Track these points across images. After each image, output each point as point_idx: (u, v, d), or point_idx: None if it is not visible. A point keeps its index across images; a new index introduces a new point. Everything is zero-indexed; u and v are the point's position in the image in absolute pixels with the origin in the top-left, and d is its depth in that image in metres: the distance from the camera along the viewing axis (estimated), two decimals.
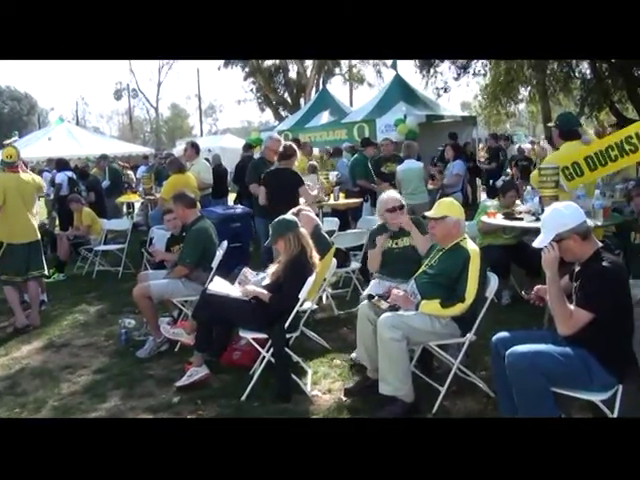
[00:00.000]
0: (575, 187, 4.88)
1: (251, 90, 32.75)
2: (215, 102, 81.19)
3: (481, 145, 16.39)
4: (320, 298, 6.10)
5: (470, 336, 3.71)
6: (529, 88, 17.61)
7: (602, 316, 2.89)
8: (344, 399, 4.00)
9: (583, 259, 3.07)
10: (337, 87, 65.35)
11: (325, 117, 15.13)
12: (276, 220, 4.36)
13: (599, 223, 4.52)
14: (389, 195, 4.68)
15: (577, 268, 3.14)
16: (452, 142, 9.90)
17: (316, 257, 4.34)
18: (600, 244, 3.10)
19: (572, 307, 2.98)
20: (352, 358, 4.45)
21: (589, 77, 15.47)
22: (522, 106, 22.99)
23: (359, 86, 34.47)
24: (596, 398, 3.00)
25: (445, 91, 17.86)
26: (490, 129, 22.34)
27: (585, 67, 15.63)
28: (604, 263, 2.94)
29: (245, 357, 4.58)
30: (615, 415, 3.01)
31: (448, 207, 3.90)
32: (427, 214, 4.02)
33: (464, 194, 9.56)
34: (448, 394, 3.80)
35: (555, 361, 2.93)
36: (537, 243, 3.12)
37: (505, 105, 18.36)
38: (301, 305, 4.21)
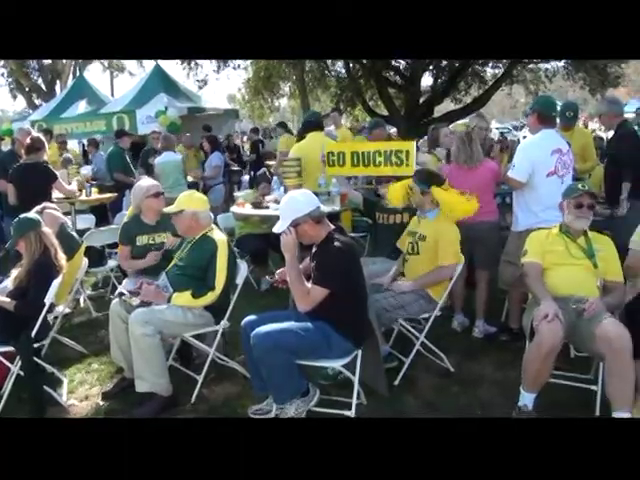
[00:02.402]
0: (333, 174, 5.18)
1: (2, 74, 29.41)
2: None
3: (245, 138, 16.77)
4: (77, 301, 5.77)
5: (224, 323, 3.80)
6: (289, 84, 18.38)
7: (336, 290, 3.16)
8: (102, 403, 3.84)
9: (318, 241, 3.33)
10: (96, 75, 61.30)
11: (82, 106, 14.16)
12: (16, 220, 4.01)
13: (337, 208, 4.88)
14: (148, 182, 4.58)
15: (314, 250, 3.39)
16: (208, 135, 9.91)
17: (62, 257, 4.06)
18: (332, 227, 3.37)
19: (309, 285, 3.21)
20: None
21: (343, 76, 16.61)
22: (284, 101, 23.96)
23: (119, 75, 32.96)
24: (336, 364, 3.29)
25: (205, 84, 17.83)
26: (255, 122, 22.95)
27: (340, 66, 16.73)
28: (336, 243, 3.23)
29: None
30: (356, 377, 3.31)
31: (186, 200, 3.91)
32: (166, 209, 4.01)
33: (226, 186, 9.67)
34: (207, 382, 3.87)
35: (297, 336, 3.13)
36: (276, 229, 3.30)
37: (267, 99, 18.97)
38: (50, 310, 3.93)
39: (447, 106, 16.96)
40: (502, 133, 20.61)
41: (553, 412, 3.39)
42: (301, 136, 6.02)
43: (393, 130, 13.98)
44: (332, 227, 3.37)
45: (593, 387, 3.49)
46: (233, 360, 4.08)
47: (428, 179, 4.09)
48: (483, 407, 3.61)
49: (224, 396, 3.84)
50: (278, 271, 3.60)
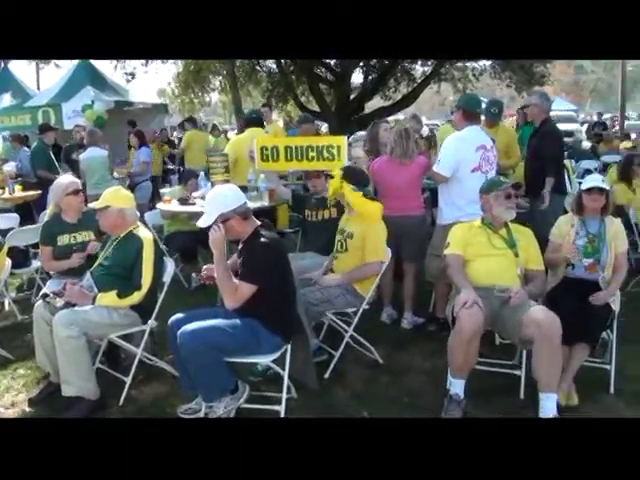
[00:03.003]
0: (267, 169, 5.16)
1: None
2: None
3: (175, 133, 16.47)
4: (2, 304, 5.56)
5: (151, 322, 3.74)
6: (220, 78, 18.12)
7: (264, 286, 3.17)
8: (28, 410, 3.71)
9: (245, 237, 3.33)
10: (21, 67, 58.43)
11: (7, 100, 13.55)
12: None
13: (266, 204, 4.91)
14: (68, 179, 4.47)
15: (240, 246, 3.39)
16: (135, 129, 9.68)
17: None
18: (259, 222, 3.38)
19: (237, 281, 3.20)
20: None
21: (274, 71, 16.54)
22: (215, 95, 23.55)
23: (45, 66, 31.55)
24: (266, 360, 3.30)
25: (133, 77, 17.32)
26: (185, 117, 22.52)
27: (271, 62, 16.62)
28: (262, 240, 3.23)
29: None
30: (286, 372, 3.33)
31: (111, 197, 3.83)
32: (91, 205, 3.92)
33: (154, 182, 9.48)
34: (135, 383, 3.81)
35: (224, 333, 3.11)
36: (201, 223, 3.28)
37: (198, 93, 18.64)
38: None
39: (378, 103, 17.18)
40: (431, 130, 21.05)
41: (480, 398, 3.54)
42: (242, 132, 6.11)
43: (325, 126, 14.07)
44: (258, 223, 3.38)
45: (517, 372, 3.66)
46: (162, 360, 4.02)
47: (358, 178, 4.13)
48: (411, 395, 3.70)
49: (153, 396, 3.78)
50: (205, 267, 3.58)
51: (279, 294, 3.28)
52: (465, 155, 4.40)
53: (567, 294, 3.74)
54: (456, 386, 3.40)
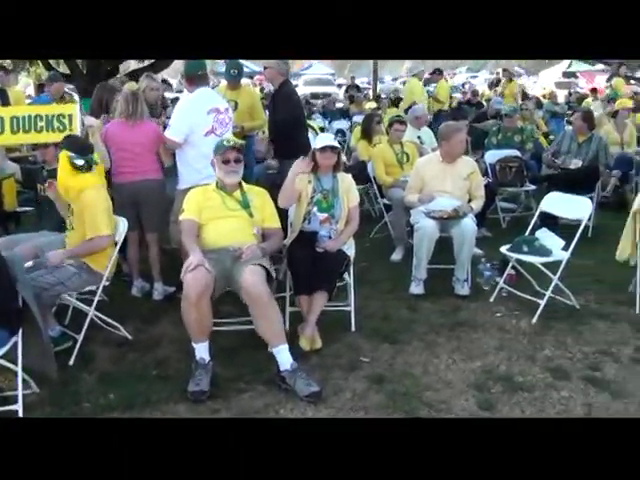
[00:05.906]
0: None
1: None
2: None
3: None
4: None
5: None
6: None
7: None
8: None
9: None
10: None
11: None
12: None
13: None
14: None
15: None
16: None
17: None
18: None
19: None
20: None
21: None
22: None
23: None
24: None
25: None
26: None
27: None
28: None
29: None
30: (19, 366, 3.04)
31: None
32: None
33: None
34: None
35: None
36: None
37: None
38: None
39: (134, 64, 16.37)
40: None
41: (228, 356, 3.65)
42: None
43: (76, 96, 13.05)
44: None
45: None
46: None
47: (78, 147, 3.87)
48: (160, 367, 3.67)
49: None
50: None
51: None
52: (197, 119, 4.39)
53: (303, 247, 3.97)
54: (200, 350, 3.43)
